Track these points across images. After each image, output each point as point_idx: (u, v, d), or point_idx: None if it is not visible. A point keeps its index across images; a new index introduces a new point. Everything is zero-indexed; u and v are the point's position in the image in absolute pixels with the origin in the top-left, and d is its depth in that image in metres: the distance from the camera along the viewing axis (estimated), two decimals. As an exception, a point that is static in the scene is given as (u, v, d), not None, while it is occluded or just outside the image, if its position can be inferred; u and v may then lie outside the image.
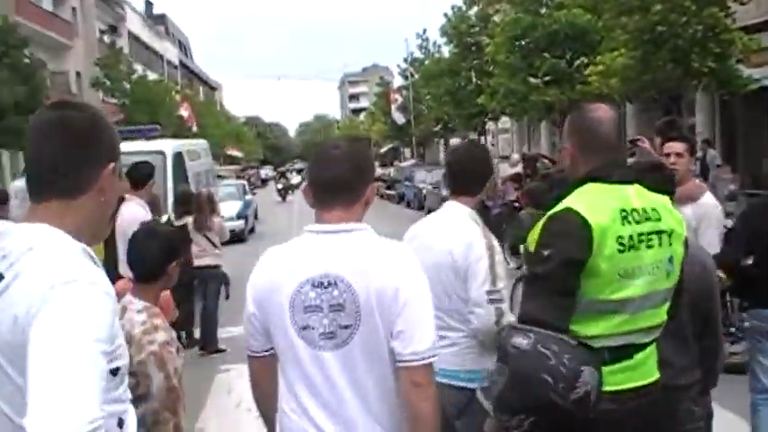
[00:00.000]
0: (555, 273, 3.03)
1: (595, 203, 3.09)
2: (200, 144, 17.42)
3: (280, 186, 49.15)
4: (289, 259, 2.96)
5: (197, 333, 11.18)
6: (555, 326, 2.98)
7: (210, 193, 11.30)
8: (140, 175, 8.43)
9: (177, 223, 10.54)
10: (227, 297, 11.44)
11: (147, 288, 3.92)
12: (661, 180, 3.76)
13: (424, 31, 43.83)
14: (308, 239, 2.97)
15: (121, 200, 8.22)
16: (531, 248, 3.17)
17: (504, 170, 20.36)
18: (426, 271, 3.03)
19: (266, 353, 3.04)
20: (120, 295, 5.29)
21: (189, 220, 10.69)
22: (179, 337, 10.88)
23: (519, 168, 18.44)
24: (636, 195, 3.19)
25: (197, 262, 10.74)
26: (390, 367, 2.83)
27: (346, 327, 2.79)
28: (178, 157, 13.59)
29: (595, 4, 22.21)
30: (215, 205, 11.03)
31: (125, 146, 12.40)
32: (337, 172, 2.92)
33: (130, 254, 4.00)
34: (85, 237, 2.16)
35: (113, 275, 7.58)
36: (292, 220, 32.53)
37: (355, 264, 2.82)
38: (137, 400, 3.75)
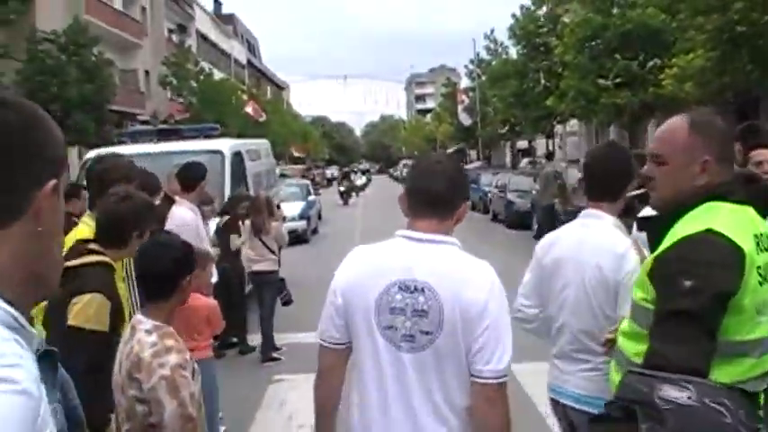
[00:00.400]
0: (705, 309, 2.49)
1: (736, 226, 2.62)
2: (261, 144, 17.10)
3: (342, 189, 46.42)
4: (379, 260, 3.09)
5: (252, 340, 10.87)
6: (705, 375, 2.44)
7: (269, 196, 10.97)
8: (190, 177, 8.08)
9: (218, 222, 10.25)
10: (285, 303, 11.10)
11: (158, 306, 3.58)
12: (754, 192, 3.17)
13: (492, 31, 43.31)
14: (398, 243, 3.10)
15: (171, 202, 7.93)
16: (649, 274, 2.66)
17: (573, 175, 19.76)
18: (565, 287, 3.58)
19: (342, 346, 3.11)
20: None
21: (247, 223, 10.40)
22: (232, 345, 10.68)
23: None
24: (756, 217, 2.74)
25: (253, 267, 10.47)
26: (462, 378, 2.91)
27: (427, 333, 2.88)
28: (237, 157, 13.27)
29: (670, 3, 21.47)
30: (273, 209, 10.68)
31: (182, 145, 12.21)
32: (437, 186, 3.07)
33: (139, 268, 3.67)
34: (17, 284, 1.55)
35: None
36: (356, 222, 32.28)
37: (444, 275, 2.93)
38: (149, 430, 3.41)
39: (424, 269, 2.94)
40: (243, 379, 9.56)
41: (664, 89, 20.88)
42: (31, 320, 1.62)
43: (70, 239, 4.69)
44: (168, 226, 7.48)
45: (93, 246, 4.22)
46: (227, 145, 13.28)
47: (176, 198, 7.84)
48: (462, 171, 3.37)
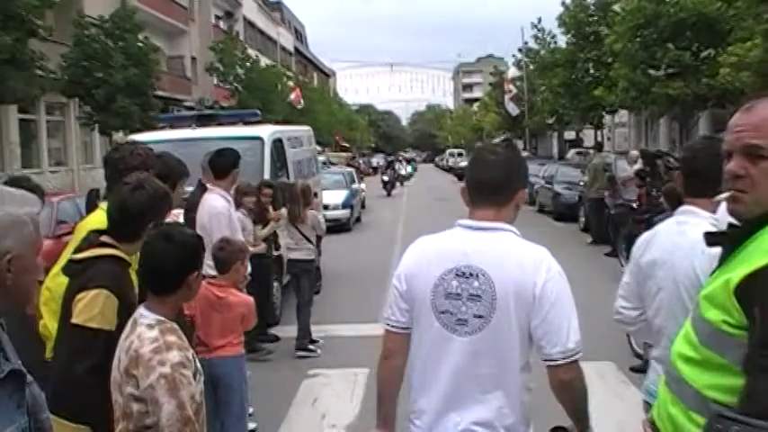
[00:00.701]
0: None
1: None
2: (303, 130, 16.79)
3: (386, 178, 43.98)
4: (438, 248, 3.23)
5: (288, 331, 10.61)
6: None
7: (306, 184, 10.66)
8: (221, 164, 7.78)
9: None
10: (317, 292, 10.86)
11: (162, 300, 3.31)
12: None
13: (539, 20, 42.51)
14: (457, 233, 3.24)
15: (204, 189, 7.67)
16: (738, 294, 2.19)
17: (622, 167, 19.25)
18: (660, 290, 3.63)
19: (404, 330, 3.27)
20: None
21: (283, 211, 10.13)
22: (265, 337, 10.41)
23: (640, 165, 17.25)
24: None
25: (290, 255, 10.23)
26: (512, 362, 3.07)
27: (480, 317, 3.03)
28: (277, 144, 12.98)
29: (727, -8, 20.86)
30: (309, 197, 10.37)
31: (220, 131, 11.96)
32: (492, 175, 3.19)
33: (143, 261, 3.37)
34: None
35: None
36: (400, 211, 31.97)
37: (497, 260, 3.07)
38: (145, 432, 3.14)
39: (479, 255, 3.09)
40: (277, 372, 9.32)
41: (718, 80, 20.24)
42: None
43: (84, 227, 4.44)
44: (199, 214, 7.24)
45: (105, 237, 3.95)
46: (267, 131, 12.97)
47: (208, 185, 7.55)
48: (518, 160, 3.40)
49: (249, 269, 7.77)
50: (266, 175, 11.69)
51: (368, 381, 8.72)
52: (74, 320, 3.71)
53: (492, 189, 3.19)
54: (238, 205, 9.34)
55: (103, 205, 4.45)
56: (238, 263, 6.14)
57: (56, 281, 4.35)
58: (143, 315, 3.27)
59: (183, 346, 3.20)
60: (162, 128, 13.98)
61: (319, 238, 15.91)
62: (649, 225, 11.90)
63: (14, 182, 6.02)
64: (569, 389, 3.10)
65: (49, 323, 4.40)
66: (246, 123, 13.68)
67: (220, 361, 5.85)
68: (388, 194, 41.48)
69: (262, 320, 10.53)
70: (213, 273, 6.60)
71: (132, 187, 3.98)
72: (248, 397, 6.35)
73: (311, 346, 10.17)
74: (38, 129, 31.12)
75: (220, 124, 13.51)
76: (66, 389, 3.66)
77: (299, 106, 48.11)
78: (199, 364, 3.33)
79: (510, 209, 3.24)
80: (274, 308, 11.14)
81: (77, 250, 4.01)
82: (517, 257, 3.09)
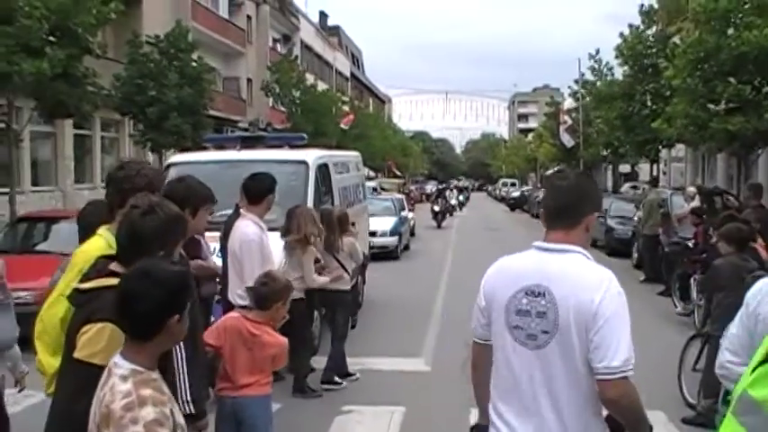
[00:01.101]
0: None
1: None
2: (351, 156, 16.55)
3: (436, 208, 40.16)
4: (514, 267, 3.53)
5: (317, 362, 10.23)
6: None
7: (343, 211, 10.32)
8: (256, 188, 7.48)
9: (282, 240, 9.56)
10: (353, 326, 10.51)
11: (138, 347, 2.92)
12: None
13: (597, 51, 41.95)
14: (532, 254, 3.51)
15: (237, 215, 7.39)
16: None
17: (678, 203, 18.68)
18: None
19: (486, 342, 3.62)
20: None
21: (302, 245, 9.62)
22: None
23: (697, 202, 16.69)
24: None
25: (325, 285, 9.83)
26: (583, 377, 3.26)
27: (546, 332, 3.29)
28: (323, 169, 12.73)
29: (792, 25, 20.23)
30: (346, 225, 10.01)
31: (264, 154, 11.73)
32: (561, 200, 3.51)
33: (117, 301, 2.97)
34: None
35: (225, 303, 6.73)
36: (449, 240, 31.56)
37: (562, 279, 3.31)
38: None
39: (547, 275, 3.35)
40: (308, 407, 8.96)
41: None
42: None
43: (83, 254, 4.16)
44: (230, 241, 6.97)
45: (115, 266, 3.66)
46: (312, 156, 12.72)
47: (241, 211, 7.24)
48: (588, 185, 3.66)
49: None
50: (310, 201, 11.41)
51: (403, 420, 8.36)
52: (76, 355, 3.42)
53: (560, 213, 3.48)
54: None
55: (102, 231, 4.18)
56: (280, 302, 5.78)
57: (49, 312, 4.09)
58: (117, 364, 2.91)
59: (159, 401, 2.83)
60: (207, 148, 13.78)
61: (364, 266, 15.71)
62: (706, 266, 11.41)
63: None
64: (616, 406, 3.26)
65: (43, 357, 4.14)
66: (292, 147, 13.43)
67: (246, 401, 5.53)
68: (438, 226, 38.45)
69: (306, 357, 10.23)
70: (243, 303, 6.31)
71: (143, 211, 3.68)
72: (274, 436, 6.02)
73: (337, 379, 9.77)
74: (92, 144, 31.34)
75: (266, 147, 13.26)
76: (64, 426, 3.42)
77: (345, 127, 47.93)
78: (181, 418, 2.96)
79: (579, 231, 3.48)
80: (312, 337, 10.77)
81: (84, 278, 3.73)
82: (581, 277, 3.32)
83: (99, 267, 3.71)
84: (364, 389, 9.63)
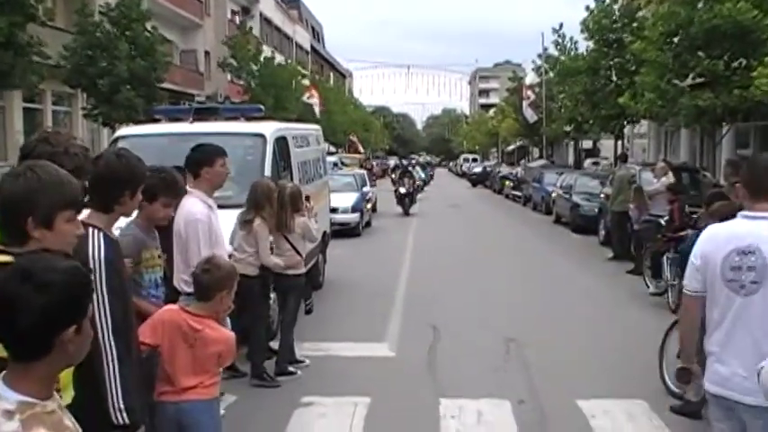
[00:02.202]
0: None
1: None
2: (311, 129, 15.76)
3: (402, 190, 32.47)
4: (725, 233, 4.34)
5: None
6: None
7: (296, 188, 9.52)
8: (192, 161, 6.68)
9: (243, 220, 8.86)
10: (309, 312, 9.82)
11: (26, 370, 2.19)
12: None
13: (561, 26, 41.30)
14: (740, 221, 4.32)
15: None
16: None
17: (647, 180, 18.18)
18: None
19: (699, 293, 4.39)
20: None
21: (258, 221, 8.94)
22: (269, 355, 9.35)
23: (671, 178, 16.14)
24: None
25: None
26: None
27: (754, 282, 4.13)
28: (281, 143, 11.97)
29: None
30: (298, 203, 9.23)
31: (219, 126, 10.97)
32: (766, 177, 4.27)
33: None
34: None
35: (170, 292, 5.99)
36: (412, 216, 30.92)
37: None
38: None
39: (755, 237, 4.15)
40: (265, 398, 8.30)
41: (751, 91, 19.14)
42: None
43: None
44: (175, 221, 6.24)
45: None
46: (269, 128, 11.94)
47: (187, 188, 6.46)
48: None
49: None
50: (267, 176, 10.69)
51: (368, 412, 7.74)
52: None
53: (763, 187, 4.24)
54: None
55: None
56: (225, 291, 5.02)
57: None
58: (0, 396, 2.16)
59: None
60: (158, 121, 12.95)
61: (325, 245, 15.04)
62: (684, 244, 10.89)
63: None
64: None
65: None
66: (249, 119, 12.63)
67: (189, 405, 4.78)
68: (406, 213, 31.92)
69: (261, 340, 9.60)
70: (190, 290, 5.59)
71: (16, 173, 3.04)
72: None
73: (292, 368, 9.11)
74: (43, 119, 30.26)
75: (220, 119, 12.45)
76: None
77: (318, 108, 46.93)
78: None
79: None
80: (270, 321, 10.09)
81: None
82: None
83: None
84: (325, 378, 8.98)
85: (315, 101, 48.87)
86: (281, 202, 8.93)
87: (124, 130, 12.74)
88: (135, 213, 4.85)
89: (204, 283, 4.88)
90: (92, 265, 3.87)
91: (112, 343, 3.87)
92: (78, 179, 3.77)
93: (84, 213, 4.06)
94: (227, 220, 8.71)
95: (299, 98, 46.77)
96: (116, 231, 4.36)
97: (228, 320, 6.99)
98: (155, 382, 4.88)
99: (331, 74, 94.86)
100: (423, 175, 43.07)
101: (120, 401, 3.86)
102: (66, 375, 3.39)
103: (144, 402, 4.27)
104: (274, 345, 9.47)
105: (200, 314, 4.86)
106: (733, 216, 8.28)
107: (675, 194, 14.32)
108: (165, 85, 31.72)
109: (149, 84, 26.82)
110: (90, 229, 4.01)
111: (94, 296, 3.87)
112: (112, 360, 3.86)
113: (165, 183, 5.31)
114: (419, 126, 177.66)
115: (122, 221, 4.62)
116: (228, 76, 46.22)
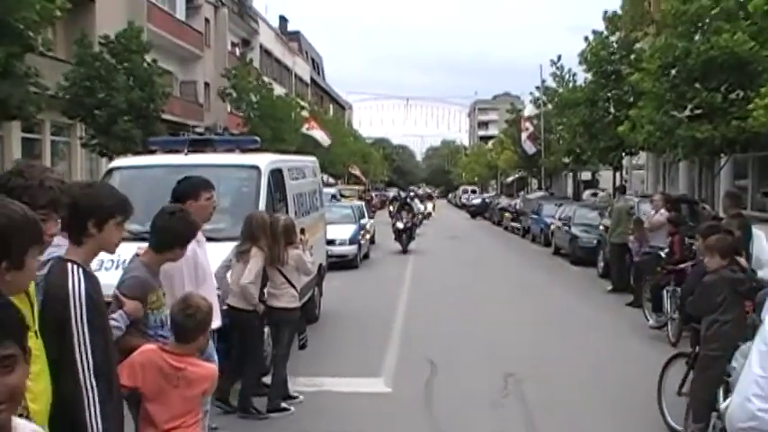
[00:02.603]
0: None
1: None
2: (307, 161, 15.65)
3: (400, 225, 29.50)
4: None
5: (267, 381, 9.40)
6: None
7: (289, 220, 9.40)
8: (176, 193, 6.54)
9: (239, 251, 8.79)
10: (302, 347, 9.64)
11: None
12: None
13: (559, 58, 41.42)
14: None
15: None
16: None
17: (646, 211, 18.06)
18: None
19: None
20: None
21: (255, 250, 8.86)
22: (261, 391, 9.20)
23: (665, 212, 15.94)
24: None
25: (269, 302, 8.96)
26: None
27: None
28: (276, 175, 11.86)
29: (760, 30, 19.69)
30: (292, 235, 9.11)
31: (214, 158, 10.86)
32: None
33: None
34: None
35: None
36: (411, 249, 30.70)
37: None
38: None
39: None
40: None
41: (753, 122, 19.06)
42: None
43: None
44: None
45: None
46: (265, 160, 11.84)
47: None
48: None
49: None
50: (262, 208, 10.56)
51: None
52: None
53: None
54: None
55: None
56: (206, 332, 4.87)
57: None
58: None
59: None
60: (153, 152, 12.84)
61: (321, 277, 14.90)
62: (683, 277, 10.76)
63: None
64: None
65: None
66: (244, 151, 12.52)
67: None
68: (404, 250, 29.16)
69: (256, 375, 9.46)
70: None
71: None
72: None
73: (285, 404, 8.93)
74: (42, 149, 30.20)
75: (215, 151, 12.32)
76: None
77: (326, 144, 46.69)
78: None
79: None
80: (264, 355, 9.92)
81: None
82: None
83: None
84: (318, 414, 8.81)
85: (318, 132, 48.75)
86: (274, 235, 8.82)
87: (118, 162, 12.64)
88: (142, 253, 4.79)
89: (189, 328, 4.70)
90: (72, 302, 3.75)
91: (94, 384, 3.75)
92: (55, 212, 3.65)
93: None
94: (220, 253, 8.61)
95: (298, 130, 46.75)
96: (117, 269, 4.22)
97: (215, 353, 6.87)
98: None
99: (331, 105, 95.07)
100: (422, 208, 37.22)
101: None
102: (41, 415, 3.27)
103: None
104: (267, 380, 9.32)
105: (179, 352, 4.69)
106: (733, 251, 8.22)
107: (675, 227, 14.18)
108: (164, 116, 31.66)
109: (147, 115, 26.74)
110: (69, 265, 3.89)
111: (75, 336, 3.74)
112: (94, 403, 3.74)
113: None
114: (418, 158, 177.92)
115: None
116: (228, 108, 46.22)
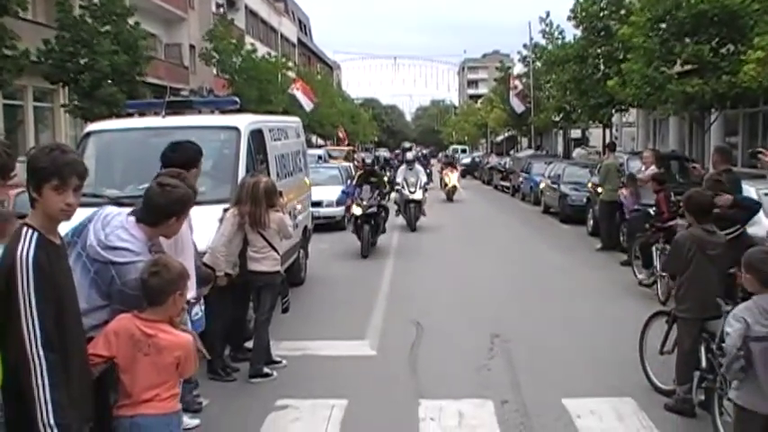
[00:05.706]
0: None
1: None
2: (290, 121, 15.33)
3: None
4: None
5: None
6: None
7: (270, 183, 9.14)
8: (177, 161, 6.27)
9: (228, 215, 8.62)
10: (285, 311, 9.43)
11: None
12: None
13: (548, 14, 41.10)
14: None
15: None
16: None
17: (635, 168, 17.86)
18: None
19: None
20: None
21: (232, 211, 8.71)
22: (243, 356, 9.07)
23: (654, 168, 15.71)
24: None
25: (251, 266, 8.76)
26: None
27: None
28: (256, 136, 11.57)
29: (752, -17, 19.43)
30: (273, 198, 8.87)
31: (192, 119, 10.60)
32: None
33: None
34: None
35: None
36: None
37: None
38: None
39: None
40: (237, 400, 7.97)
41: (740, 77, 18.82)
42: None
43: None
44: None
45: None
46: (244, 121, 11.54)
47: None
48: None
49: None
50: (241, 171, 10.34)
51: (345, 415, 7.40)
52: None
53: None
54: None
55: None
56: (177, 294, 4.64)
57: None
58: None
59: None
60: (130, 115, 12.53)
61: (306, 239, 14.68)
62: (671, 235, 10.59)
63: None
64: None
65: None
66: (223, 112, 12.22)
67: (144, 421, 4.35)
68: (413, 228, 22.95)
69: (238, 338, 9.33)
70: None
71: None
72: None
73: (267, 369, 8.77)
74: (25, 115, 29.82)
75: (194, 112, 12.03)
76: None
77: (308, 108, 46.15)
78: None
79: None
80: (246, 320, 9.75)
81: None
82: None
83: None
84: (302, 379, 8.64)
85: (302, 96, 48.19)
86: (254, 198, 8.59)
87: (94, 126, 12.29)
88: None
89: (155, 287, 4.48)
90: (18, 268, 3.57)
91: (41, 355, 3.59)
92: (1, 179, 3.48)
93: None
94: (202, 217, 8.36)
95: (285, 91, 46.26)
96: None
97: (204, 320, 6.70)
98: (110, 395, 4.51)
99: (318, 66, 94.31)
100: (424, 179, 24.64)
101: (51, 417, 3.59)
102: None
103: (83, 419, 3.94)
104: (249, 344, 9.16)
105: (152, 318, 4.48)
106: (709, 211, 8.05)
107: (660, 184, 13.91)
108: (149, 79, 31.26)
109: (131, 79, 26.35)
110: (24, 230, 3.70)
111: (21, 303, 3.56)
112: (41, 374, 3.58)
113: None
114: (408, 117, 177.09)
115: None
116: (214, 70, 45.76)
